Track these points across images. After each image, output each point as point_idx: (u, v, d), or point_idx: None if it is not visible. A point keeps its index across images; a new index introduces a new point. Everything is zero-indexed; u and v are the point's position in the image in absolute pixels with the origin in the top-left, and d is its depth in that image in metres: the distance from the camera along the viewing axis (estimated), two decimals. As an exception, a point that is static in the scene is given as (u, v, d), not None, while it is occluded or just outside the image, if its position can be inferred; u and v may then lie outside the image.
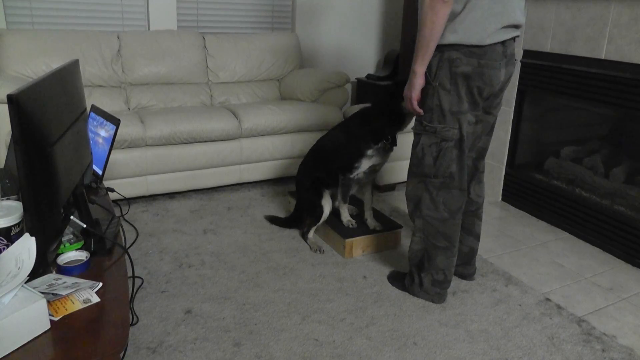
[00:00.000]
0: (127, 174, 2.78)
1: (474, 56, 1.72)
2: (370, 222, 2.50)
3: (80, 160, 1.54)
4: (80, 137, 1.56)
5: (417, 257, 2.02)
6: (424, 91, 1.83)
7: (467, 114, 1.81)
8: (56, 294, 1.19)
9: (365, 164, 2.35)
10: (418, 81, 1.80)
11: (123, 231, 1.82)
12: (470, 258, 2.20)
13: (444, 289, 2.02)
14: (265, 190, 3.19)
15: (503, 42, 1.76)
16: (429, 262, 1.98)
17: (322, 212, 2.42)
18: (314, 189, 2.45)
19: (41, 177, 1.15)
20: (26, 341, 1.05)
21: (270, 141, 3.15)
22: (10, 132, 2.09)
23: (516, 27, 1.79)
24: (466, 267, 2.21)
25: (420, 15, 1.70)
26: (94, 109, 2.23)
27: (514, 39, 1.83)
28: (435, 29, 1.69)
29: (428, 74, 1.80)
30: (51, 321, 1.12)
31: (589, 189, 2.76)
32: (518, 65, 2.93)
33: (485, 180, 2.12)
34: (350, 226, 2.45)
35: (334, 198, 2.48)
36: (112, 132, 2.06)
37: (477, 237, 2.18)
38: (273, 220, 2.70)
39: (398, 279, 2.15)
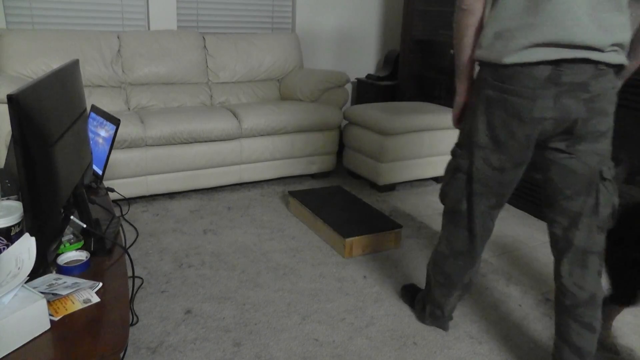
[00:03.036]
0: (127, 174, 2.78)
1: (498, 78, 1.40)
2: None
3: (80, 160, 1.54)
4: (80, 137, 1.56)
5: (427, 278, 1.88)
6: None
7: (485, 150, 1.49)
8: (56, 294, 1.19)
9: None
10: (457, 99, 1.65)
11: (123, 231, 1.82)
12: None
13: (444, 322, 1.89)
14: (265, 190, 3.20)
15: (555, 64, 1.32)
16: (430, 293, 1.86)
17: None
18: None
19: (41, 177, 1.15)
20: (26, 341, 1.05)
21: (270, 141, 3.15)
22: (10, 132, 2.09)
23: (591, 49, 1.30)
24: None
25: None
26: (94, 109, 2.23)
27: (595, 63, 1.31)
28: (459, 41, 1.52)
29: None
30: (51, 321, 1.12)
31: (589, 189, 2.76)
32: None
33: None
34: None
35: None
36: (112, 132, 2.06)
37: (579, 354, 1.51)
38: None
39: (409, 295, 2.06)
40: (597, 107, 1.35)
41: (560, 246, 1.51)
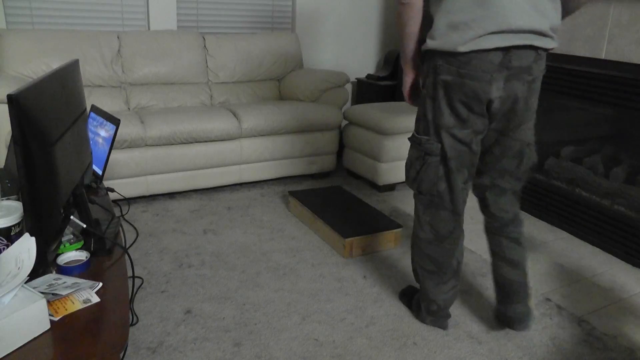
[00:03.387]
0: (127, 174, 2.78)
1: (454, 64, 1.54)
2: None
3: (80, 160, 1.54)
4: (80, 137, 1.56)
5: (416, 277, 1.91)
6: (419, 100, 1.76)
7: (452, 129, 1.63)
8: (56, 294, 1.19)
9: None
10: (405, 78, 1.78)
11: (123, 231, 1.82)
12: (511, 291, 1.81)
13: (442, 317, 1.88)
14: (265, 190, 3.20)
15: (506, 50, 1.49)
16: (421, 289, 1.87)
17: None
18: None
19: (41, 177, 1.15)
20: (26, 341, 1.05)
21: (270, 141, 3.15)
22: (10, 132, 2.09)
23: (534, 33, 1.49)
24: (510, 305, 1.84)
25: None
26: (94, 109, 2.23)
27: (536, 49, 1.52)
28: (402, 31, 1.66)
29: (422, 80, 1.71)
30: (51, 321, 1.12)
31: (589, 189, 2.76)
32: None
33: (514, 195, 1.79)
34: None
35: None
36: (112, 132, 2.06)
37: (512, 264, 1.79)
38: None
39: (407, 296, 2.06)
40: (535, 87, 1.60)
41: (485, 189, 1.79)
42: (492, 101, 1.56)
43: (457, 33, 1.50)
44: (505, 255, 1.80)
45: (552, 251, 2.56)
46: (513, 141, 1.68)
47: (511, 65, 1.51)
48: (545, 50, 1.56)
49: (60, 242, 1.43)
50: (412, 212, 2.95)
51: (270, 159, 3.19)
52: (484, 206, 1.82)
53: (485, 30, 1.47)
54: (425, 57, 1.66)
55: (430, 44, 1.58)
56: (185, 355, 1.67)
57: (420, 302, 1.91)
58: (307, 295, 2.05)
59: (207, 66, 3.49)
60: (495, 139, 1.68)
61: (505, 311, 1.84)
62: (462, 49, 1.50)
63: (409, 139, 1.78)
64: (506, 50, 1.49)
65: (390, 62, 4.13)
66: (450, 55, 1.54)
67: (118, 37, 3.23)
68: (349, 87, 4.33)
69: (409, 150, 1.77)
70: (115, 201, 2.81)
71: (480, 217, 2.92)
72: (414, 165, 1.74)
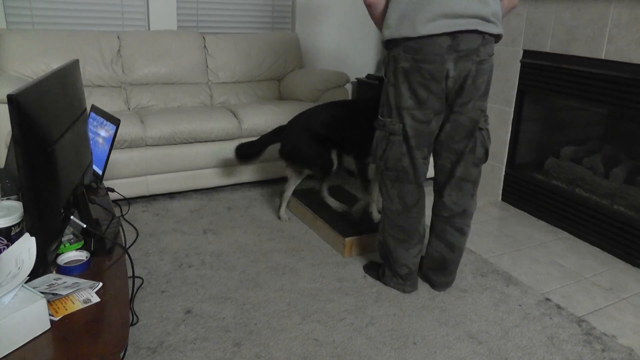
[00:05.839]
0: (127, 174, 2.78)
1: (410, 51, 1.73)
2: (376, 215, 2.62)
3: (80, 160, 1.54)
4: (80, 137, 1.56)
5: (382, 248, 2.09)
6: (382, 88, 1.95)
7: (412, 110, 1.82)
8: (56, 294, 1.19)
9: None
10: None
11: (123, 231, 1.82)
12: (441, 266, 2.07)
13: (411, 279, 2.08)
14: (265, 190, 3.20)
15: (453, 35, 1.67)
16: (391, 256, 2.04)
17: (331, 164, 2.51)
18: (320, 142, 2.52)
19: (41, 177, 1.15)
20: (26, 341, 1.05)
21: (270, 141, 3.15)
22: (10, 132, 2.09)
23: (478, 18, 1.67)
24: (436, 274, 2.10)
25: None
26: (94, 109, 2.23)
27: (482, 34, 1.70)
28: (377, 22, 1.89)
29: (384, 71, 1.90)
30: (51, 321, 1.12)
31: (589, 189, 2.76)
32: (517, 66, 2.93)
33: (477, 190, 2.00)
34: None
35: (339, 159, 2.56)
36: (112, 132, 2.06)
37: (451, 247, 2.03)
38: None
39: (373, 269, 2.23)
40: (483, 68, 1.77)
41: (445, 175, 1.97)
42: (447, 78, 1.75)
43: (407, 21, 1.70)
44: (445, 239, 2.03)
45: (552, 251, 2.56)
46: (463, 117, 1.84)
47: (459, 48, 1.70)
48: (491, 35, 1.74)
49: (60, 242, 1.43)
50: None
51: (270, 159, 3.19)
52: (439, 194, 2.01)
53: (434, 14, 1.66)
54: (386, 47, 1.85)
55: (386, 34, 1.77)
56: (185, 355, 1.67)
57: (388, 269, 2.09)
58: (307, 295, 2.05)
59: (207, 66, 3.49)
60: (447, 116, 1.86)
61: (434, 278, 2.10)
62: (413, 35, 1.69)
63: (374, 123, 1.98)
64: (453, 35, 1.68)
65: (390, 62, 4.13)
66: (405, 44, 1.74)
67: (118, 37, 3.23)
68: (349, 87, 4.32)
69: (376, 132, 1.96)
70: (115, 201, 2.81)
71: (479, 218, 2.92)
72: (380, 144, 1.94)
